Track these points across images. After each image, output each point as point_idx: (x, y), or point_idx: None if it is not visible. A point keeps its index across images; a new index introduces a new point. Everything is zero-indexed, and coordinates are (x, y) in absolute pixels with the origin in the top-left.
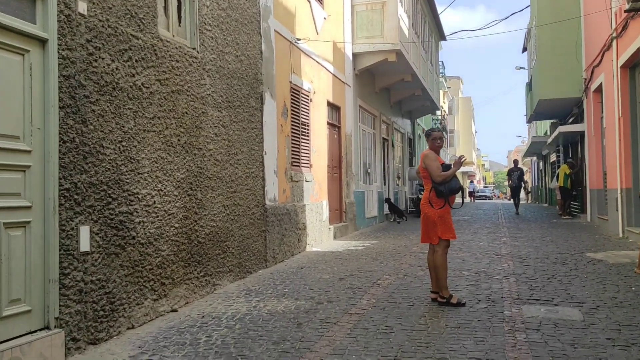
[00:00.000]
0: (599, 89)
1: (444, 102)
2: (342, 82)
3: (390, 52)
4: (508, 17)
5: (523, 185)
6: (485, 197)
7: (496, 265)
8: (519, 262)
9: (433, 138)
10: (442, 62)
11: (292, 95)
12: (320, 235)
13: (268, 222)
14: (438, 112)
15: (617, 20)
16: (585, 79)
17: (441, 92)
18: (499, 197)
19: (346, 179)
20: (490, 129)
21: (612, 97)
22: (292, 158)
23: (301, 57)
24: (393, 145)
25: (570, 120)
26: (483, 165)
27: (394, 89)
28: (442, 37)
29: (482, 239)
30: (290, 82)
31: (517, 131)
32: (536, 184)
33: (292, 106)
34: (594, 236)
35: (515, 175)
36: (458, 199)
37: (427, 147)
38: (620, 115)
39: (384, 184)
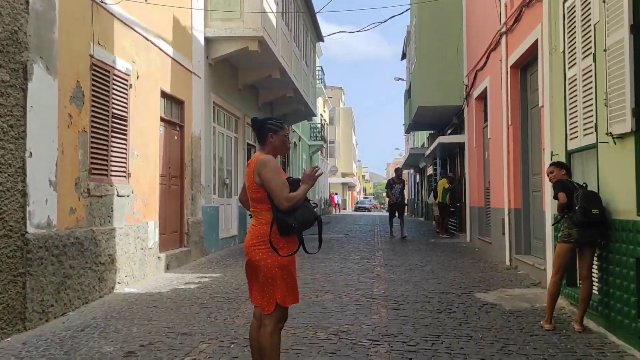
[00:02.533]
0: (482, 96)
1: (324, 111)
2: (188, 70)
3: (251, 40)
4: (387, 20)
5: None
6: (365, 209)
7: (365, 318)
8: (394, 309)
9: (276, 134)
10: (322, 67)
11: (93, 74)
12: (142, 269)
13: (31, 259)
14: (316, 119)
15: (507, 12)
16: (466, 85)
17: (321, 99)
18: (377, 207)
19: (191, 191)
20: (371, 140)
21: (499, 103)
22: (93, 163)
23: (114, 24)
24: None
25: (450, 131)
26: (363, 176)
27: (263, 88)
28: (320, 37)
29: (353, 269)
30: (92, 57)
31: (397, 143)
32: (413, 197)
33: (93, 90)
34: (478, 264)
35: (397, 188)
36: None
37: (260, 150)
38: (510, 123)
39: None
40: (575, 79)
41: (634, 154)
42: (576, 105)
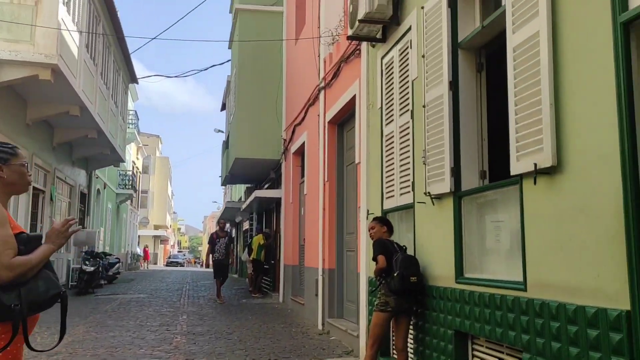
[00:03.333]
0: (300, 151)
1: (138, 158)
2: None
3: (43, 67)
4: (207, 68)
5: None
6: (177, 264)
7: None
8: None
9: (7, 164)
10: (136, 111)
11: None
12: None
13: None
14: (126, 166)
15: (326, 67)
16: (285, 139)
17: (134, 146)
18: (190, 262)
19: None
20: (189, 192)
21: (316, 159)
22: None
23: None
24: (52, 199)
25: (267, 186)
26: (179, 229)
27: (59, 125)
28: (134, 79)
29: (147, 340)
30: None
31: (215, 196)
32: None
33: None
34: (290, 329)
35: (222, 243)
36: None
37: None
38: (326, 179)
39: None
40: (393, 136)
41: (452, 216)
42: (393, 163)
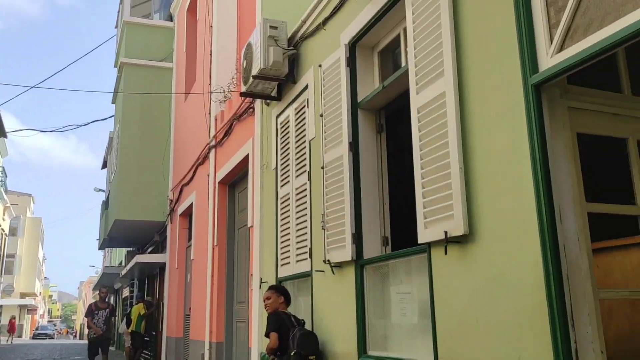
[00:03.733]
0: (187, 212)
1: (4, 219)
2: None
3: None
4: (88, 123)
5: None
6: (46, 336)
7: None
8: None
9: None
10: (4, 167)
11: None
12: None
13: None
14: None
15: (217, 125)
16: (171, 199)
17: (0, 205)
18: (62, 333)
19: None
20: (64, 256)
21: (205, 221)
22: None
23: None
24: None
25: (151, 249)
26: (50, 296)
27: None
28: (2, 133)
29: None
30: None
31: (92, 260)
32: None
33: None
34: None
35: (101, 315)
36: None
37: None
38: (215, 244)
39: None
40: (289, 198)
41: (354, 287)
42: (289, 227)
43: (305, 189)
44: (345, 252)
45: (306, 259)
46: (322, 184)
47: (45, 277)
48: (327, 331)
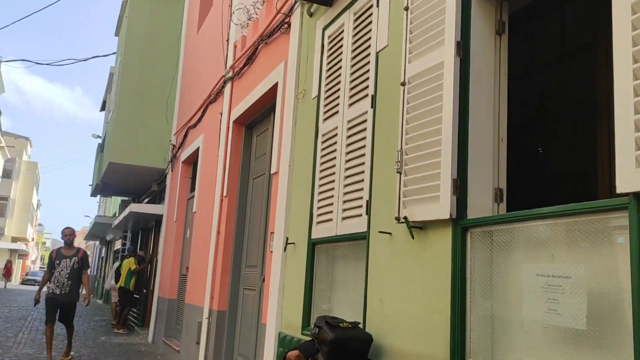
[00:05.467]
0: (192, 159)
1: None
2: None
3: None
4: (88, 59)
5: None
6: (36, 282)
7: None
8: None
9: None
10: None
11: None
12: None
13: None
14: None
15: (236, 53)
16: (174, 145)
17: None
18: None
19: None
20: (60, 203)
21: (213, 168)
22: None
23: None
24: None
25: (147, 200)
26: (44, 243)
27: None
28: None
29: None
30: None
31: (88, 210)
32: (95, 273)
33: None
34: None
35: (65, 266)
36: None
37: None
38: (224, 194)
39: None
40: (335, 134)
41: (449, 258)
42: (334, 173)
43: (365, 120)
44: (438, 207)
45: (360, 215)
46: (399, 108)
47: (39, 224)
48: (393, 323)
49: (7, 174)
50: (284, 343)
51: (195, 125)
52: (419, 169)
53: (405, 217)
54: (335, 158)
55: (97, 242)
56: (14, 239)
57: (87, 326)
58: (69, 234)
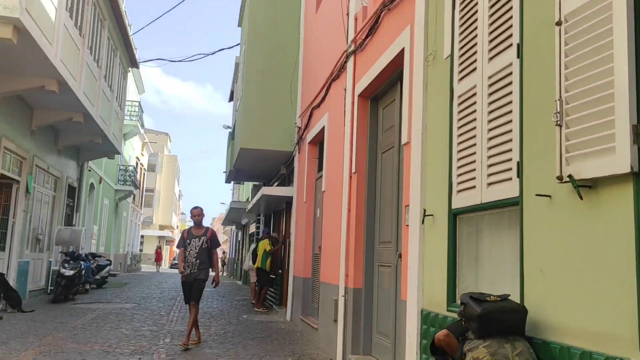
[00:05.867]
0: (318, 139)
1: (142, 154)
2: None
3: (2, 23)
4: (215, 52)
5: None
6: None
7: None
8: None
9: None
10: (140, 103)
11: None
12: None
13: None
14: (126, 160)
15: (357, 26)
16: (299, 127)
17: (138, 141)
18: None
19: None
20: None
21: (340, 146)
22: None
23: None
24: (29, 191)
25: (277, 183)
26: None
27: (37, 103)
28: (134, 63)
29: None
30: None
31: (223, 198)
32: (234, 256)
33: None
34: None
35: (194, 246)
36: None
37: None
38: (353, 171)
39: (1, 249)
40: (474, 94)
41: (631, 221)
42: (474, 136)
43: (510, 73)
44: (614, 160)
45: (509, 179)
46: (555, 53)
47: (182, 213)
48: (558, 296)
49: (152, 167)
50: (428, 320)
51: (319, 105)
52: (585, 118)
53: (569, 176)
54: (475, 119)
55: (234, 227)
56: (161, 227)
57: (229, 305)
58: (197, 214)
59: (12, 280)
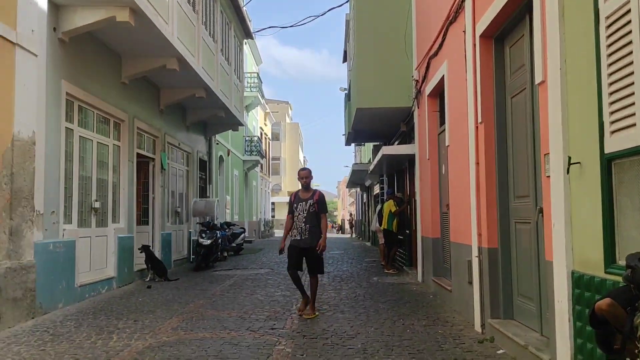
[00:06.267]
0: (437, 90)
1: (265, 124)
2: (7, 41)
3: (119, 8)
4: (325, 12)
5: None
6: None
7: None
8: None
9: None
10: (258, 73)
11: None
12: None
13: None
14: (251, 131)
15: None
16: (416, 80)
17: (260, 112)
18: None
19: (10, 222)
20: (321, 157)
21: (463, 95)
22: None
23: None
24: (164, 168)
25: (398, 142)
26: None
27: (162, 83)
28: (248, 34)
29: (240, 347)
30: None
31: (346, 161)
32: (360, 218)
33: None
34: (436, 329)
35: (302, 210)
36: None
37: None
38: (479, 121)
39: (145, 223)
40: (627, 11)
41: None
42: (629, 64)
43: None
44: None
45: None
46: None
47: None
48: None
49: (276, 136)
50: (582, 284)
51: (436, 53)
52: None
53: None
54: (631, 42)
55: (358, 189)
56: (290, 193)
57: (359, 267)
58: (305, 176)
59: (157, 252)
